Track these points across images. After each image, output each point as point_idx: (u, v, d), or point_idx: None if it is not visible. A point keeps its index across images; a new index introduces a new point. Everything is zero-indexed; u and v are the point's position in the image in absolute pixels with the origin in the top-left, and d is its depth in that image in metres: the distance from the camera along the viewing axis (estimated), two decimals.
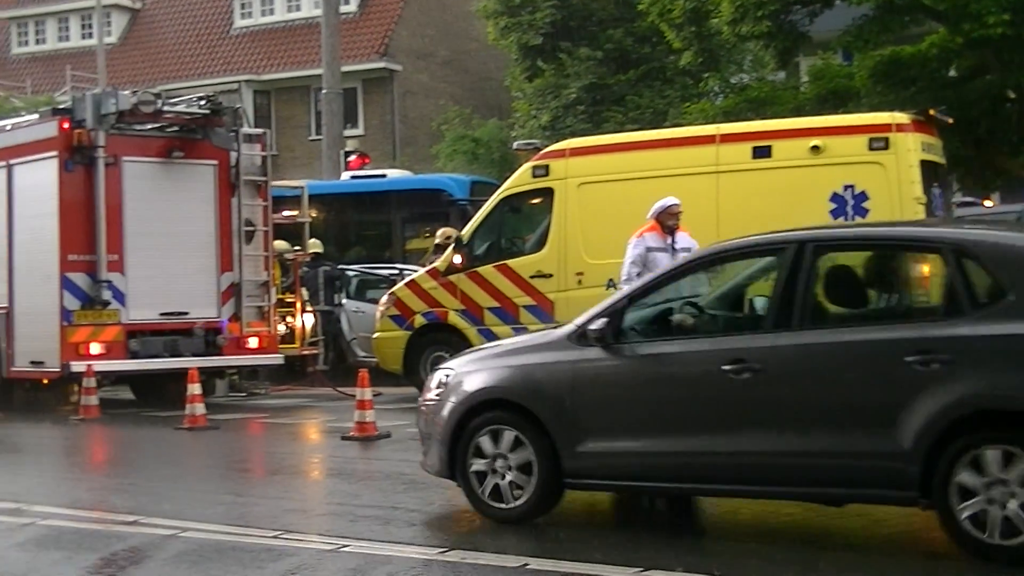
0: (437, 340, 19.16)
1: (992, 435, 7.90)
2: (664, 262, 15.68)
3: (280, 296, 20.85)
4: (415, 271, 20.65)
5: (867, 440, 8.26)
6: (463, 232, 19.36)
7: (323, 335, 22.48)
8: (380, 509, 10.05)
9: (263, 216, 19.78)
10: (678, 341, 9.22)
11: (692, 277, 9.75)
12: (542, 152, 19.38)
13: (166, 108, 19.14)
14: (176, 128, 19.38)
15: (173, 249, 18.97)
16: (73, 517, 10.03)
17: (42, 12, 51.85)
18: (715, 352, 8.86)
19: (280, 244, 21.11)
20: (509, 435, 9.42)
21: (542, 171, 18.65)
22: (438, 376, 10.04)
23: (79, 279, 18.34)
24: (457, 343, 18.95)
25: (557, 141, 20.89)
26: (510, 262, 18.70)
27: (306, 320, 21.68)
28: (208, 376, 18.96)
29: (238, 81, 44.77)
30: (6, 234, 19.23)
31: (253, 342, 19.42)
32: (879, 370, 8.35)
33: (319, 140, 36.77)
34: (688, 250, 15.90)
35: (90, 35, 48.69)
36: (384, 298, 19.99)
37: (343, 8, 38.49)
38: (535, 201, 19.07)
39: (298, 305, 21.40)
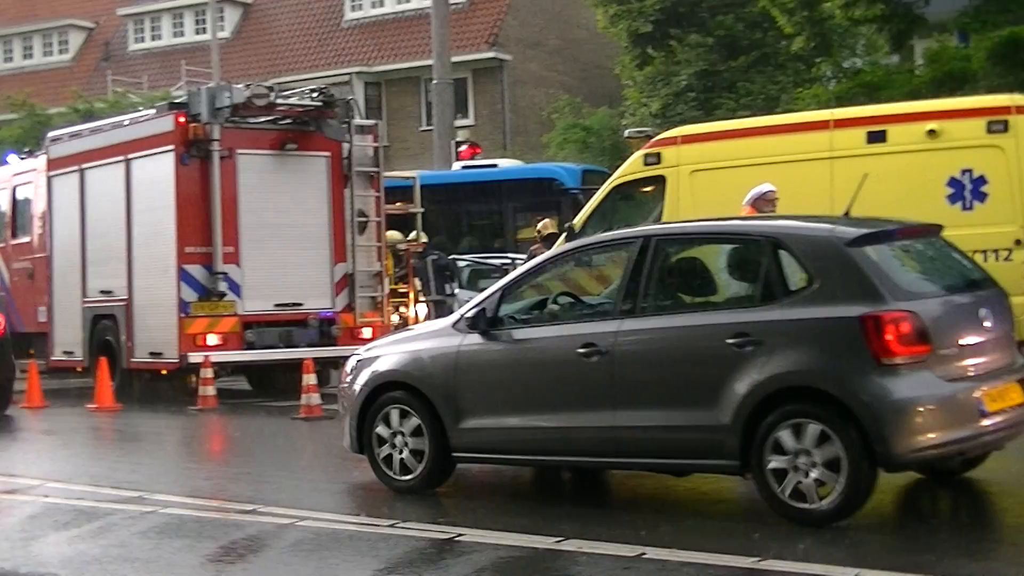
0: None
1: (796, 410, 8.75)
2: None
3: (393, 286, 20.96)
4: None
5: (696, 415, 9.11)
6: (575, 221, 19.33)
7: None
8: (499, 498, 10.05)
9: (376, 207, 19.90)
10: (543, 328, 10.19)
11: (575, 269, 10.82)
12: (653, 140, 19.28)
13: (279, 101, 19.29)
14: (289, 121, 19.54)
15: (287, 240, 19.13)
16: (193, 506, 10.17)
17: (157, 8, 52.63)
18: (571, 337, 9.78)
19: (393, 234, 21.22)
20: (407, 414, 10.53)
21: (654, 159, 18.57)
22: (351, 361, 11.33)
23: (196, 271, 18.57)
24: None
25: (668, 129, 20.80)
26: None
27: (419, 310, 21.78)
28: (323, 366, 19.11)
29: (349, 73, 45.09)
30: (125, 228, 19.53)
31: (367, 332, 19.51)
32: (705, 352, 9.24)
33: (430, 131, 36.93)
34: None
35: (204, 30, 49.36)
36: None
37: None
38: (647, 189, 18.98)
39: (411, 295, 21.50)
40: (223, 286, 18.54)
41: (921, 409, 8.60)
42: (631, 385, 9.49)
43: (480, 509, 9.69)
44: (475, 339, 10.30)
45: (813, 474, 8.61)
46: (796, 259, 9.17)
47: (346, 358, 19.96)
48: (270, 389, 19.94)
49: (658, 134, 19.99)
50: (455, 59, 35.57)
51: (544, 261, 10.72)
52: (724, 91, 33.11)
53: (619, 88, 38.50)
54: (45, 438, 16.71)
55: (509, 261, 23.35)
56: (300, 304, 19.17)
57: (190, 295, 18.53)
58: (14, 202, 23.22)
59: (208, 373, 17.86)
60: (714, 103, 32.55)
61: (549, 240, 20.96)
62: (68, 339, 20.76)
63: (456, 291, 23.52)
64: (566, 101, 39.01)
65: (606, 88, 42.43)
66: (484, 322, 10.24)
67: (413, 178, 22.50)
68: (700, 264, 10.24)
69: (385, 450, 10.58)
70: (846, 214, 9.97)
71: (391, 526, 9.01)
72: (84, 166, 20.48)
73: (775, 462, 8.72)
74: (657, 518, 9.13)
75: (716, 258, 10.14)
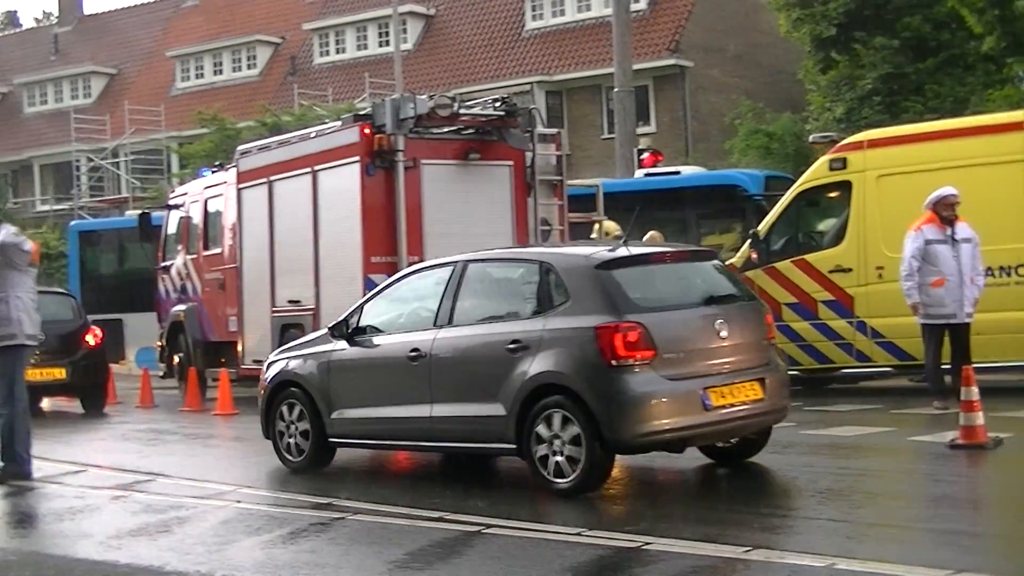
0: None
1: (551, 402, 10.86)
2: (944, 254, 15.29)
3: None
4: None
5: (486, 408, 11.30)
6: (759, 227, 19.15)
7: None
8: (683, 507, 9.98)
9: (559, 215, 19.92)
10: (390, 336, 12.57)
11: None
12: (839, 145, 19.02)
13: (462, 111, 19.42)
14: (472, 131, 19.66)
15: (471, 249, 19.09)
16: (381, 512, 10.29)
17: (342, 23, 53.53)
18: (405, 344, 12.16)
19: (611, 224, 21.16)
20: (296, 407, 13.21)
21: (839, 164, 18.32)
22: (267, 363, 14.01)
23: (382, 280, 18.73)
24: None
25: (853, 133, 20.47)
26: (808, 257, 18.44)
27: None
28: None
29: (530, 82, 45.29)
30: (312, 238, 19.85)
31: None
32: (491, 356, 11.38)
33: (611, 138, 36.86)
34: (968, 240, 15.45)
35: (387, 43, 50.06)
36: None
37: (633, 6, 38.55)
38: (832, 195, 18.74)
39: None
40: None
41: (643, 402, 10.57)
42: (442, 383, 11.80)
43: (669, 517, 9.61)
44: (342, 345, 12.90)
45: (564, 455, 10.79)
46: (559, 279, 11.29)
47: None
48: None
49: (843, 139, 19.70)
50: (636, 66, 35.45)
51: (392, 281, 13.28)
52: (911, 94, 32.42)
53: (802, 93, 37.98)
54: (236, 445, 17.08)
55: None
56: None
57: None
58: (206, 215, 23.79)
59: None
60: (900, 106, 31.89)
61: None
62: (258, 348, 21.16)
63: None
64: (748, 107, 38.61)
65: (789, 93, 41.92)
66: (347, 331, 12.86)
67: (596, 186, 22.47)
68: (494, 284, 12.33)
69: (283, 436, 13.36)
70: (625, 241, 11.98)
71: (578, 534, 9.00)
72: (272, 178, 20.88)
73: (538, 444, 10.94)
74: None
75: (505, 279, 12.27)
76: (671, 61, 43.85)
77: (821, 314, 18.23)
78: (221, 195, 23.08)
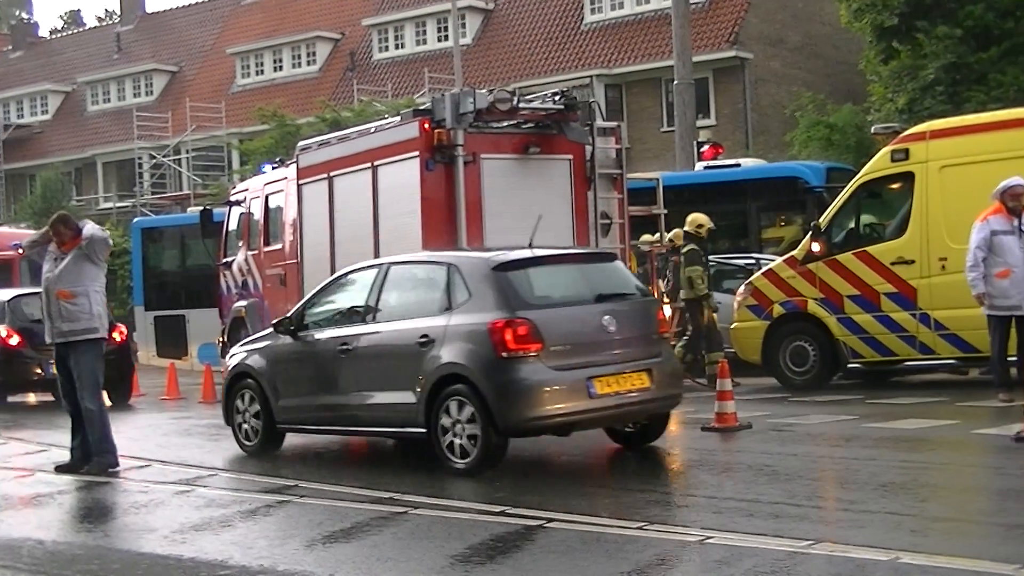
0: (797, 330, 18.94)
1: (453, 390, 12.07)
2: (1010, 245, 15.14)
3: None
4: (772, 260, 20.42)
5: (401, 396, 12.55)
6: (820, 219, 19.04)
7: (679, 327, 22.44)
8: (743, 501, 9.95)
9: (619, 209, 19.87)
10: (326, 330, 13.81)
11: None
12: (901, 136, 18.87)
13: (521, 105, 19.41)
14: (531, 124, 19.64)
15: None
16: (442, 507, 10.31)
17: (400, 18, 53.67)
18: (337, 338, 13.49)
19: (647, 237, 21.16)
20: (248, 396, 14.57)
21: (901, 155, 18.17)
22: (229, 356, 15.25)
23: None
24: (817, 333, 18.70)
25: (915, 124, 20.30)
26: (870, 249, 18.31)
27: (665, 311, 21.65)
28: None
29: (589, 76, 45.23)
30: (372, 233, 19.88)
31: None
32: (404, 349, 12.62)
33: (671, 132, 36.77)
34: None
35: (446, 38, 50.16)
36: (741, 288, 19.86)
37: None
38: (895, 186, 18.60)
39: (655, 295, 21.38)
40: None
41: (530, 390, 11.74)
42: (365, 374, 13.05)
43: (733, 511, 9.57)
44: (287, 339, 14.22)
45: (464, 438, 12.05)
46: (462, 280, 12.46)
47: None
48: None
49: (905, 130, 19.54)
50: (696, 59, 35.36)
51: (330, 281, 14.75)
52: (974, 83, 32.10)
53: (863, 84, 37.70)
54: (299, 439, 17.14)
55: (754, 261, 23.08)
56: None
57: None
58: (266, 210, 23.88)
59: None
60: (963, 96, 31.58)
61: (687, 238, 20.85)
62: None
63: None
64: (809, 98, 38.37)
65: (850, 84, 41.64)
66: (290, 327, 14.17)
67: (656, 179, 22.41)
68: (410, 284, 13.55)
69: (240, 424, 14.65)
70: (530, 244, 12.96)
71: (640, 528, 8.98)
72: (332, 174, 20.93)
73: (443, 429, 12.20)
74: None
75: (419, 279, 13.45)
76: (731, 53, 43.67)
77: (884, 306, 18.10)
78: (281, 191, 23.16)
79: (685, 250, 21.23)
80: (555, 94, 19.73)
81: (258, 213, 24.13)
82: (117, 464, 13.56)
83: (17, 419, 21.12)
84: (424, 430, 12.36)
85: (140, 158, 56.15)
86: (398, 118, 20.46)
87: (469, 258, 13.00)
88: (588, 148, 19.51)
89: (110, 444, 13.67)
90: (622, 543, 8.59)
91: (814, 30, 46.30)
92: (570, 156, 19.53)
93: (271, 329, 14.67)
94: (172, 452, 15.28)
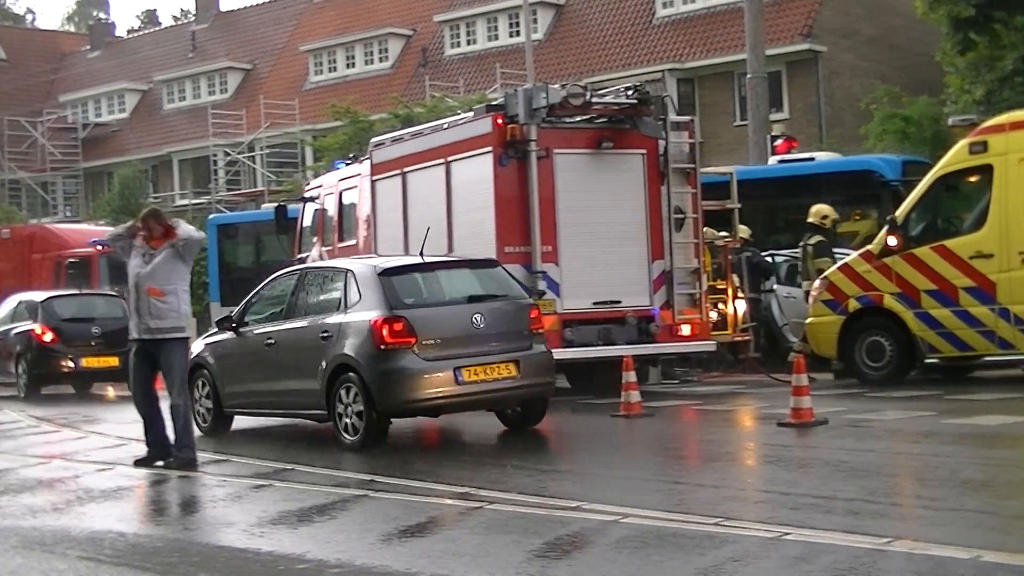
0: (872, 325, 18.76)
1: (345, 378, 14.23)
2: None
3: (711, 283, 20.83)
4: (847, 254, 20.25)
5: (308, 383, 14.68)
6: (896, 213, 18.86)
7: (754, 321, 22.33)
8: (820, 497, 9.86)
9: (692, 203, 19.81)
10: (259, 327, 15.98)
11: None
12: (979, 128, 18.65)
13: (594, 100, 19.39)
14: (604, 119, 19.62)
15: (604, 239, 19.21)
16: (518, 502, 10.29)
17: (472, 14, 53.73)
18: (265, 333, 15.74)
19: (709, 231, 21.09)
20: (202, 383, 16.71)
21: (980, 147, 17.95)
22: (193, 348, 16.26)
23: (515, 270, 18.73)
24: (893, 328, 18.52)
25: (993, 116, 20.05)
26: (948, 243, 18.11)
27: (738, 307, 21.59)
28: (642, 364, 19.11)
29: (662, 70, 45.07)
30: (446, 229, 19.94)
31: (685, 329, 19.45)
32: (311, 342, 14.77)
33: (744, 125, 36.58)
34: None
35: (517, 33, 50.15)
36: (817, 283, 19.71)
37: None
38: (973, 179, 18.38)
39: (729, 292, 21.32)
40: (542, 285, 18.73)
41: (403, 378, 13.84)
42: (284, 365, 15.20)
43: (806, 507, 9.50)
44: (230, 334, 16.39)
45: (352, 419, 14.16)
46: (356, 283, 14.58)
47: (666, 355, 20.14)
48: (589, 387, 20.07)
49: (983, 121, 19.31)
50: (769, 52, 35.11)
51: (268, 281, 16.74)
52: None
53: (940, 76, 37.31)
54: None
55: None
56: (618, 302, 19.22)
57: None
58: (340, 206, 24.02)
59: None
60: None
61: (813, 229, 20.72)
62: None
63: (774, 287, 23.23)
64: (884, 91, 37.99)
65: (926, 76, 41.19)
66: (231, 324, 16.38)
67: (730, 173, 22.30)
68: (319, 286, 15.77)
69: (197, 408, 16.43)
70: (420, 253, 15.10)
71: (715, 524, 8.93)
72: (406, 169, 21.02)
73: (339, 410, 14.28)
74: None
75: (325, 282, 15.69)
76: (804, 46, 43.37)
77: (962, 301, 17.89)
78: (355, 187, 23.29)
79: (813, 241, 21.10)
80: (628, 89, 19.71)
81: (332, 209, 24.27)
82: (196, 460, 13.68)
83: (95, 413, 21.36)
84: (325, 412, 14.63)
85: (215, 155, 56.61)
86: (471, 114, 20.51)
87: (362, 265, 15.11)
88: (661, 143, 19.48)
89: (191, 440, 13.82)
90: (698, 539, 8.54)
91: (889, 22, 45.84)
92: (643, 151, 19.50)
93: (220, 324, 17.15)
94: (249, 447, 15.38)
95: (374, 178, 21.92)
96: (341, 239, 23.75)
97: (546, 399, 15.31)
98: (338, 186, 24.25)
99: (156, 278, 13.67)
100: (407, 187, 21.00)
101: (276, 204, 28.81)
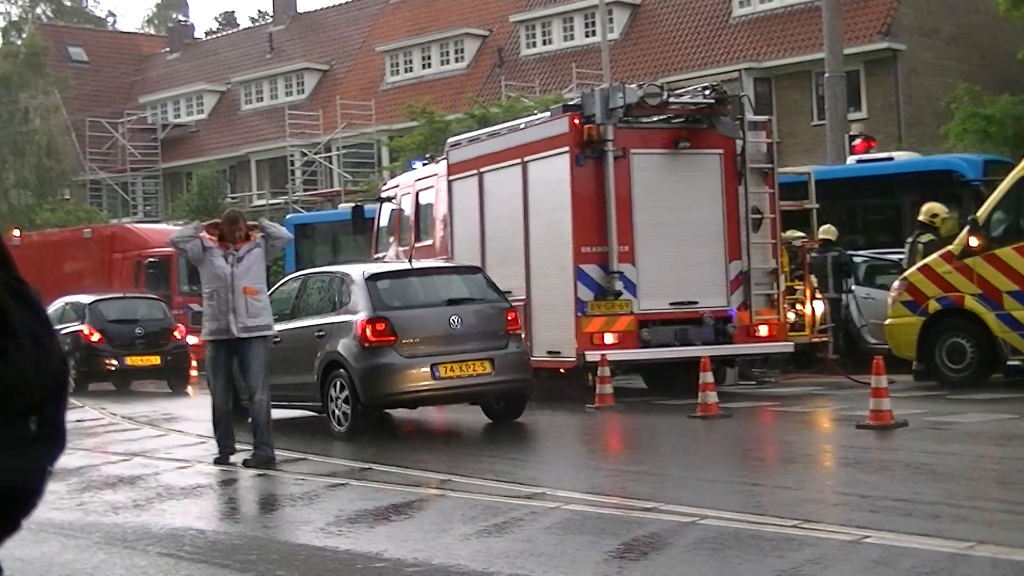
0: (953, 326, 18.55)
1: (336, 373, 15.72)
2: None
3: (789, 283, 20.70)
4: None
5: (306, 377, 16.09)
6: (978, 213, 18.64)
7: (833, 322, 22.16)
8: (901, 500, 9.76)
9: (770, 204, 19.70)
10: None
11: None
12: None
13: (671, 100, 19.35)
14: (681, 119, 19.57)
15: (681, 239, 19.17)
16: (594, 503, 10.28)
17: (548, 14, 53.71)
18: (274, 332, 15.55)
19: (790, 232, 20.98)
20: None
21: None
22: None
23: (592, 271, 18.83)
24: (974, 329, 18.30)
25: None
26: None
27: (816, 307, 21.43)
28: (719, 365, 19.04)
29: (738, 69, 44.76)
30: (522, 229, 19.98)
31: (763, 330, 19.37)
32: (309, 340, 16.24)
33: (822, 125, 36.33)
34: None
35: (593, 33, 50.07)
36: (896, 284, 19.53)
37: None
38: None
39: (807, 292, 21.17)
40: (619, 285, 18.73)
41: (384, 373, 15.19)
42: (288, 360, 16.22)
43: (889, 510, 9.41)
44: None
45: (341, 411, 15.66)
46: (348, 287, 16.10)
47: (744, 356, 20.06)
48: (666, 387, 20.01)
49: None
50: (847, 51, 34.85)
51: (278, 286, 17.99)
52: None
53: (1021, 74, 36.88)
54: (450, 435, 17.28)
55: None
56: (695, 302, 19.17)
57: (587, 294, 18.80)
58: (417, 207, 24.09)
59: (605, 372, 18.06)
60: None
61: (922, 227, 20.47)
62: None
63: (853, 288, 23.04)
64: (965, 90, 37.58)
65: (1008, 75, 40.70)
66: None
67: (808, 174, 22.16)
68: (318, 289, 17.29)
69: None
70: (409, 260, 17.08)
71: (794, 526, 8.86)
72: (482, 170, 21.07)
73: (330, 403, 15.78)
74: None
75: (323, 286, 17.24)
76: (883, 44, 42.98)
77: None
78: (432, 187, 23.36)
79: (924, 239, 20.90)
80: (704, 88, 19.65)
81: (409, 209, 24.35)
82: (274, 458, 13.78)
83: (176, 411, 21.56)
84: (320, 404, 16.14)
85: (292, 156, 56.99)
86: (547, 114, 20.52)
87: (354, 270, 16.59)
88: (739, 142, 19.39)
89: (270, 438, 13.93)
90: (777, 542, 8.48)
91: (969, 19, 45.35)
92: (720, 150, 19.44)
93: None
94: (326, 447, 15.46)
95: (451, 178, 21.98)
96: (417, 239, 23.83)
97: (525, 394, 16.65)
98: (415, 186, 24.33)
99: (252, 277, 13.89)
100: (483, 187, 21.06)
101: (353, 204, 28.96)
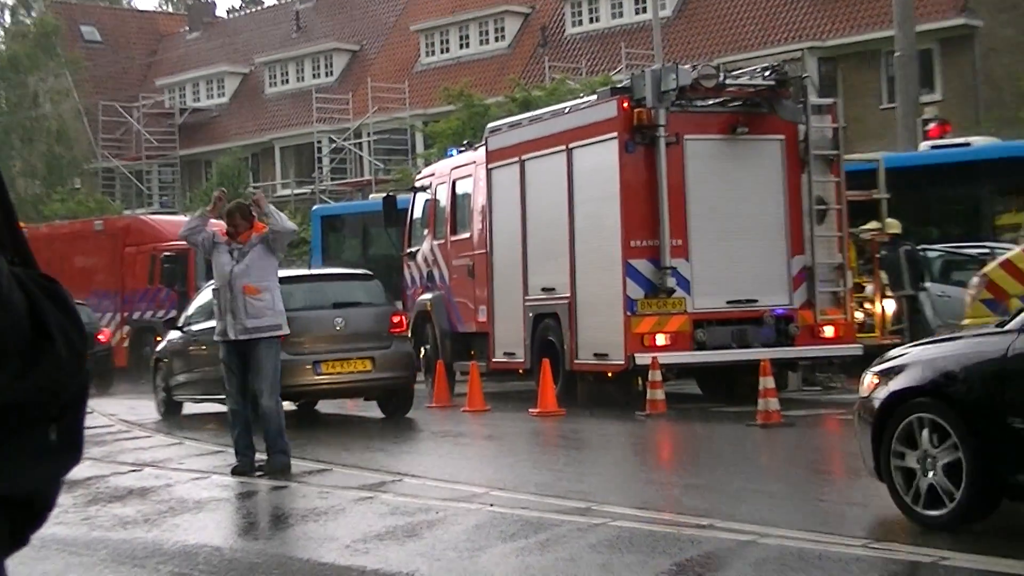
0: None
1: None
2: None
3: (857, 280, 20.52)
4: (1009, 249, 19.83)
5: (216, 373, 16.53)
6: None
7: (906, 322, 21.96)
8: None
9: (836, 193, 19.53)
10: (196, 325, 19.95)
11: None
12: None
13: (728, 81, 19.22)
14: (739, 102, 19.45)
15: (739, 232, 19.04)
16: (644, 518, 10.15)
17: None
18: (193, 331, 19.80)
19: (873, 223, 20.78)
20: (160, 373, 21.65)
21: None
22: None
23: (642, 266, 18.72)
24: None
25: None
26: None
27: (886, 306, 21.24)
28: (780, 368, 18.89)
29: (801, 48, 44.56)
30: (567, 221, 19.89)
31: (828, 331, 19.21)
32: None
33: (892, 108, 36.10)
34: None
35: (644, 10, 49.90)
36: (975, 280, 19.29)
37: None
38: None
39: (877, 290, 20.98)
40: (672, 282, 18.62)
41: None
42: (203, 356, 19.01)
43: (964, 531, 9.25)
44: (179, 333, 20.87)
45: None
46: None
47: (807, 359, 19.90)
48: (722, 393, 19.88)
49: None
50: (919, 28, 34.62)
51: (207, 286, 19.42)
52: None
53: None
54: (488, 444, 17.23)
55: (988, 251, 22.45)
56: (754, 301, 19.03)
57: (637, 292, 18.69)
58: (454, 197, 24.05)
59: (657, 376, 17.95)
60: None
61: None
62: (509, 339, 21.34)
63: (927, 285, 22.82)
64: None
65: None
66: (177, 324, 21.07)
67: (877, 161, 21.97)
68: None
69: (158, 394, 21.99)
70: (309, 266, 18.50)
71: (863, 546, 8.73)
72: (524, 157, 21.00)
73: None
74: None
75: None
76: (959, 21, 42.68)
77: None
78: (470, 176, 23.31)
79: None
80: (764, 69, 19.52)
81: (445, 200, 24.32)
82: (290, 465, 13.74)
83: (190, 418, 21.56)
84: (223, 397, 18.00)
85: (319, 142, 57.13)
86: (594, 97, 20.45)
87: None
88: (801, 127, 19.25)
89: (285, 443, 13.89)
90: (845, 562, 8.35)
91: None
92: (782, 136, 19.32)
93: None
94: (354, 456, 15.42)
95: (490, 166, 21.94)
96: (454, 232, 23.80)
97: (409, 390, 19.45)
98: (451, 175, 24.29)
99: (252, 275, 13.85)
100: (525, 176, 21.00)
101: (384, 194, 28.92)
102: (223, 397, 16.46)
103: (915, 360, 9.72)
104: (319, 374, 18.34)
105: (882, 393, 9.69)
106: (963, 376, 9.22)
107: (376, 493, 12.28)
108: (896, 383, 9.58)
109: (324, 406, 21.39)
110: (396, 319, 19.40)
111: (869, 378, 10.09)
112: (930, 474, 9.12)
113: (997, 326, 9.85)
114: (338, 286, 19.97)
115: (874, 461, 9.68)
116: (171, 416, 21.34)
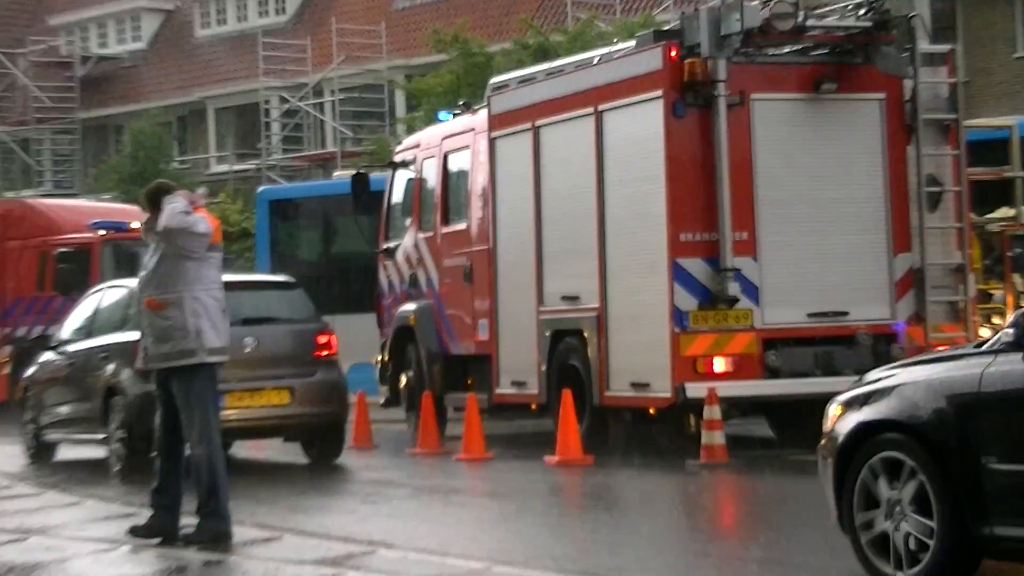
0: None
1: (116, 399, 19.08)
2: None
3: (982, 287, 20.56)
4: None
5: (90, 404, 19.60)
6: None
7: None
8: None
9: (954, 171, 19.53)
10: (72, 345, 21.49)
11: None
12: None
13: (810, 23, 19.24)
14: (824, 50, 19.49)
15: (824, 223, 19.07)
16: None
17: None
18: (68, 353, 21.14)
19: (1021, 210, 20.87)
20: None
21: None
22: None
23: (695, 268, 18.74)
24: None
25: None
26: None
27: None
28: None
29: None
30: (595, 208, 19.86)
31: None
32: (94, 362, 20.16)
33: None
34: None
35: None
36: None
37: None
38: None
39: (1009, 299, 21.05)
40: (734, 288, 18.64)
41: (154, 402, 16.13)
42: (75, 384, 20.26)
43: None
44: (52, 353, 22.10)
45: (117, 445, 19.09)
46: (133, 302, 17.89)
47: None
48: (802, 436, 19.89)
49: None
50: None
51: (84, 298, 21.87)
52: None
53: None
54: (490, 503, 17.27)
55: None
56: (845, 313, 19.07)
57: (688, 302, 18.71)
58: (445, 176, 24.00)
59: (715, 413, 17.98)
60: None
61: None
62: (518, 364, 21.35)
63: None
64: None
65: None
66: (51, 343, 22.25)
67: (1010, 127, 22.02)
68: (110, 304, 20.75)
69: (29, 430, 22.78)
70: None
71: None
72: (538, 123, 21.04)
73: (109, 437, 19.38)
74: None
75: (113, 300, 20.71)
76: None
77: None
78: (467, 147, 23.34)
79: None
80: (859, 5, 19.52)
81: (433, 179, 24.35)
82: (230, 532, 13.66)
83: (93, 472, 21.55)
84: (103, 437, 19.60)
85: (267, 102, 57.22)
86: (632, 43, 20.48)
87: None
88: (907, 83, 19.27)
89: (221, 505, 13.65)
90: None
91: None
92: (881, 95, 19.38)
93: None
94: (313, 519, 15.47)
95: (494, 135, 21.98)
96: (446, 221, 23.79)
97: (339, 429, 20.23)
98: (442, 146, 24.32)
99: (153, 284, 13.66)
100: (540, 147, 21.04)
101: (354, 172, 28.96)
102: (103, 437, 17.91)
103: (885, 387, 9.98)
104: (222, 408, 17.11)
105: (844, 427, 10.06)
106: (933, 407, 9.43)
107: (341, 570, 12.30)
108: (861, 414, 9.92)
109: (240, 449, 21.35)
110: (323, 339, 20.06)
111: (834, 408, 10.47)
112: (903, 526, 9.42)
113: (975, 347, 10.01)
114: (249, 297, 20.12)
115: (836, 509, 10.07)
116: (41, 461, 22.16)
